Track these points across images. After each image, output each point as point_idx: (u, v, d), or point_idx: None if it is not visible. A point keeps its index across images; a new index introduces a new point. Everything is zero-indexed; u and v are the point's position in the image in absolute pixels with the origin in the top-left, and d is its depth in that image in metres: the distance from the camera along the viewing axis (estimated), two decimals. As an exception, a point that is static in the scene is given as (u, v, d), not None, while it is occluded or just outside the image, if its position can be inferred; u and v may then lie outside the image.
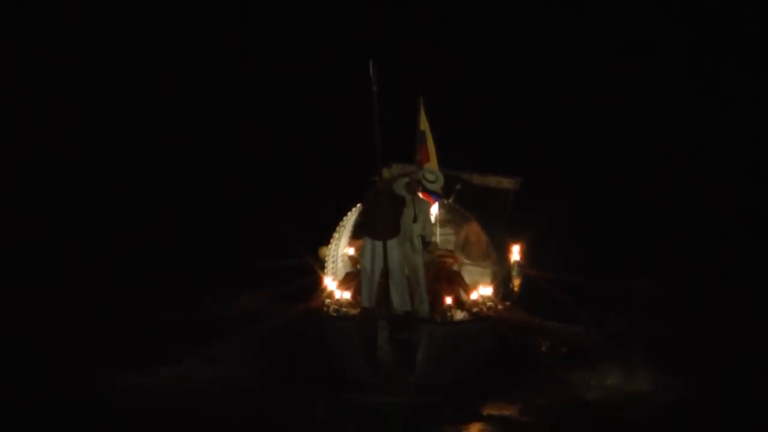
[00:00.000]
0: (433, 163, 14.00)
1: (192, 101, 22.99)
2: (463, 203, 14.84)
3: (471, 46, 23.55)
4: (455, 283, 13.91)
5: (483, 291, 13.84)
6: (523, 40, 23.59)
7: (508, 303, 14.11)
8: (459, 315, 13.36)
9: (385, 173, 13.12)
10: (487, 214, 15.09)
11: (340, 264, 14.99)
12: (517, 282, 14.92)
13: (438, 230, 14.91)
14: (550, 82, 23.35)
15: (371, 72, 12.62)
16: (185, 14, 23.79)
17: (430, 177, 13.70)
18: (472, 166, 16.04)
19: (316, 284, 14.42)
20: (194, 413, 12.23)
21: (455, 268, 14.44)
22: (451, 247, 15.26)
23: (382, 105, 12.62)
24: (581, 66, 23.36)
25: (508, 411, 12.51)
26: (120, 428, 11.82)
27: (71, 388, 12.80)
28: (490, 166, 16.29)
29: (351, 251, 15.10)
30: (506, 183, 16.29)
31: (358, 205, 14.44)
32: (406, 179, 13.53)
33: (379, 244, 12.74)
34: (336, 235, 14.78)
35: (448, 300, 13.31)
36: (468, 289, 13.87)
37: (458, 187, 14.94)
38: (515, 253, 15.29)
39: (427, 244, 13.60)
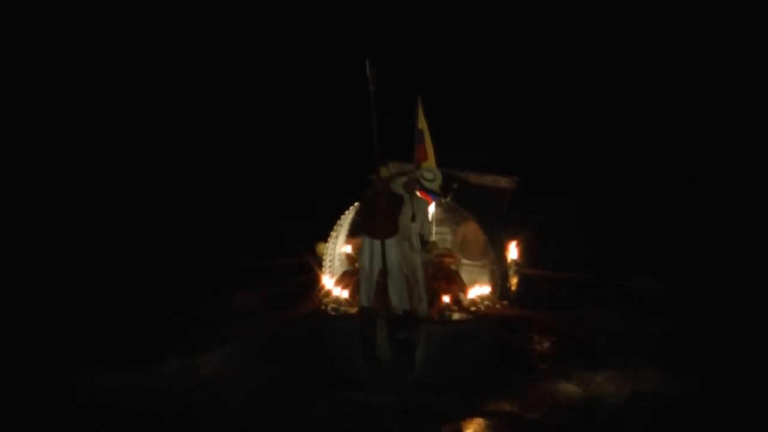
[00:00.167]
0: (431, 162, 14.00)
1: (191, 100, 22.95)
2: (461, 202, 14.83)
3: (469, 45, 23.56)
4: (453, 282, 13.90)
5: (481, 290, 13.84)
6: (522, 39, 23.59)
7: (505, 302, 14.11)
8: (457, 314, 13.33)
9: (383, 172, 13.12)
10: (485, 213, 15.08)
11: (337, 263, 14.99)
12: (514, 281, 14.92)
13: (434, 229, 14.90)
14: (549, 81, 23.35)
15: (368, 71, 12.62)
16: (185, 14, 23.76)
17: (428, 176, 13.69)
18: (468, 165, 16.03)
19: (313, 282, 14.43)
20: (194, 413, 12.22)
21: (453, 267, 14.43)
22: (448, 245, 15.27)
23: (379, 104, 12.61)
24: (580, 65, 23.38)
25: (506, 410, 12.49)
26: (119, 428, 11.78)
27: (70, 388, 12.76)
28: (486, 164, 16.28)
29: (348, 249, 15.08)
30: (503, 182, 16.30)
31: (356, 203, 14.46)
32: (405, 178, 13.51)
33: (377, 243, 12.73)
34: (333, 233, 14.79)
35: (447, 299, 13.30)
36: (466, 288, 13.87)
37: (455, 185, 14.91)
38: (512, 251, 15.32)
39: (425, 243, 13.58)
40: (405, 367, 12.40)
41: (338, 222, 14.87)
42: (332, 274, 14.64)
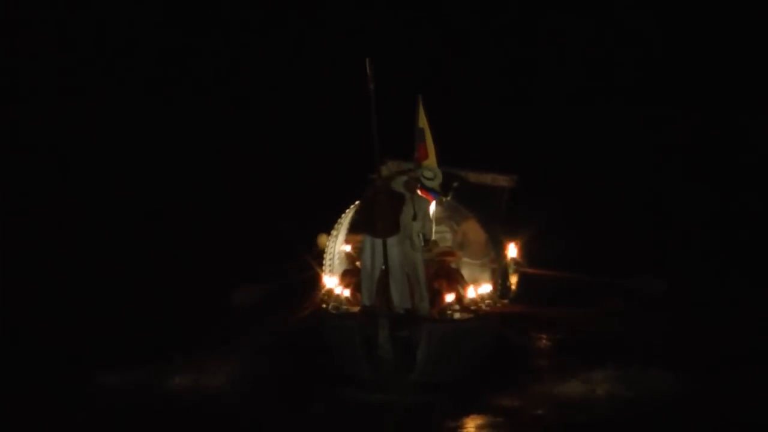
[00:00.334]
0: (431, 161, 13.98)
1: (191, 99, 22.93)
2: (461, 201, 14.84)
3: (469, 44, 23.56)
4: (454, 280, 13.89)
5: (482, 289, 13.84)
6: (521, 38, 23.61)
7: (506, 300, 14.12)
8: (458, 313, 13.33)
9: (384, 171, 13.12)
10: (485, 212, 15.10)
11: (336, 261, 14.98)
12: (514, 279, 14.93)
13: (435, 228, 14.88)
14: (548, 80, 23.37)
15: (368, 70, 12.62)
16: (184, 12, 23.73)
17: (428, 174, 13.67)
18: (467, 164, 16.03)
19: (313, 280, 14.43)
20: (194, 413, 12.19)
21: (454, 265, 14.43)
22: (448, 244, 15.26)
23: (380, 103, 12.62)
24: (580, 64, 23.40)
25: (507, 408, 12.44)
26: (119, 428, 11.75)
27: (70, 388, 12.75)
28: (486, 163, 16.29)
29: (348, 248, 15.08)
30: (502, 180, 16.32)
31: (356, 202, 14.46)
32: (405, 177, 13.51)
33: (378, 242, 12.72)
34: (334, 232, 14.77)
35: (448, 298, 13.30)
36: (467, 287, 13.86)
37: (456, 184, 14.95)
38: (512, 250, 15.32)
39: (427, 241, 13.58)
40: (406, 365, 12.39)
41: (338, 221, 14.86)
42: (332, 272, 14.63)
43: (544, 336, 14.05)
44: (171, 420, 11.93)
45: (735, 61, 22.74)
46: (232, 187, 21.56)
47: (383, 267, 12.71)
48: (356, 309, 13.25)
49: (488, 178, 16.29)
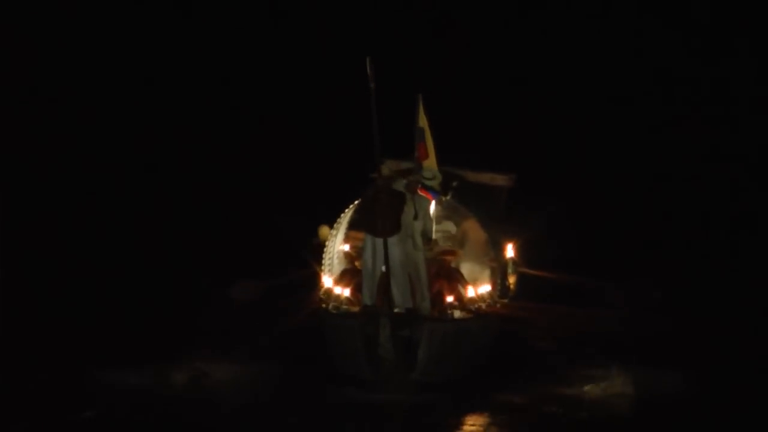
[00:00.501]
0: (431, 160, 13.95)
1: (190, 99, 22.88)
2: (461, 200, 14.86)
3: (468, 43, 23.54)
4: (455, 280, 13.91)
5: (482, 288, 13.85)
6: (519, 38, 23.60)
7: (505, 300, 14.13)
8: (458, 312, 13.33)
9: (384, 170, 13.12)
10: (483, 211, 15.10)
11: (336, 261, 14.98)
12: (512, 279, 14.93)
13: (435, 227, 14.88)
14: (547, 79, 23.37)
15: (368, 69, 12.63)
16: (183, 11, 23.69)
17: (428, 174, 13.68)
18: (466, 163, 16.02)
19: (312, 276, 14.42)
20: (194, 412, 12.15)
21: (453, 264, 14.43)
22: (448, 243, 15.25)
23: (380, 102, 12.62)
24: (578, 64, 23.41)
25: (508, 408, 12.44)
26: (118, 427, 11.71)
27: (70, 388, 12.71)
28: (486, 162, 16.28)
29: (346, 248, 15.08)
30: (500, 180, 16.31)
31: (356, 201, 14.46)
32: (405, 181, 13.50)
33: (379, 241, 12.73)
34: (333, 231, 14.77)
35: (449, 298, 13.31)
36: (467, 286, 13.87)
37: (455, 183, 14.96)
38: (510, 250, 15.32)
39: (428, 240, 13.59)
40: (407, 365, 12.39)
41: (338, 220, 14.86)
42: (331, 272, 14.61)
43: (545, 335, 14.02)
44: (171, 420, 11.88)
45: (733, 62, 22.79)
46: (232, 185, 21.54)
47: (384, 267, 12.74)
48: (356, 309, 13.25)
49: (486, 178, 16.26)
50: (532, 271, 15.11)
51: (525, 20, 23.63)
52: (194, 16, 23.60)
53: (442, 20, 23.53)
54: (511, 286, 14.73)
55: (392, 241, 12.73)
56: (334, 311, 13.26)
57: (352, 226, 14.75)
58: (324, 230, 14.85)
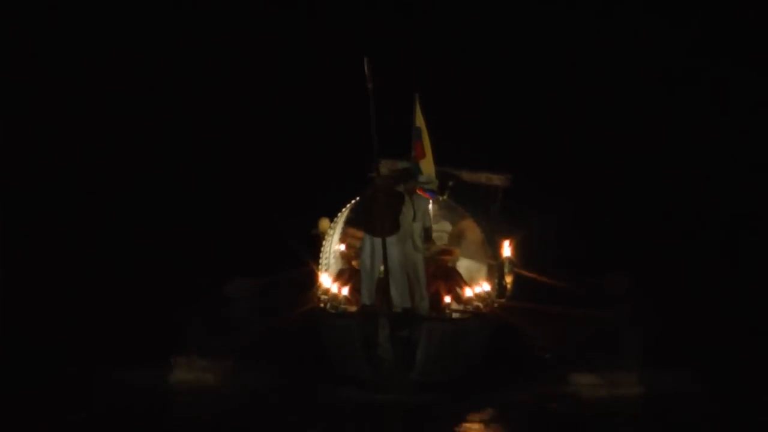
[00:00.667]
0: (428, 159, 13.98)
1: (189, 97, 22.83)
2: (457, 199, 14.89)
3: (466, 42, 23.57)
4: (453, 280, 13.91)
5: (480, 288, 13.86)
6: (518, 36, 23.62)
7: (503, 300, 14.14)
8: (457, 312, 13.33)
9: (382, 168, 13.13)
10: (480, 211, 15.13)
11: (332, 260, 14.96)
12: (509, 279, 14.96)
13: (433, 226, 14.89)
14: (546, 78, 23.40)
15: (366, 69, 12.63)
16: (182, 10, 23.64)
17: (424, 179, 13.70)
18: (462, 163, 16.05)
19: (309, 274, 14.40)
20: (194, 412, 12.15)
21: (450, 264, 14.43)
22: (444, 243, 15.26)
23: (377, 102, 12.62)
24: (576, 62, 23.44)
25: (508, 407, 12.46)
26: (117, 427, 11.66)
27: (69, 387, 12.65)
28: (481, 162, 16.32)
29: (342, 247, 15.08)
30: (496, 179, 16.36)
31: (352, 201, 14.46)
32: (402, 186, 13.51)
33: (378, 241, 12.71)
34: (330, 231, 14.76)
35: (447, 298, 13.30)
36: (464, 286, 13.87)
37: (451, 183, 15.02)
38: (506, 249, 15.33)
39: (429, 237, 13.60)
40: (406, 365, 12.37)
41: (335, 220, 14.85)
42: (328, 271, 14.60)
43: (543, 334, 13.98)
44: (170, 419, 11.83)
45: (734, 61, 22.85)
46: (230, 184, 21.52)
47: (382, 267, 12.74)
48: (354, 308, 13.22)
49: (482, 177, 16.34)
50: (529, 273, 15.15)
51: (524, 19, 23.67)
52: (194, 15, 23.58)
53: (440, 19, 23.58)
54: (508, 286, 14.77)
55: (391, 241, 12.71)
56: (333, 311, 13.22)
57: (351, 223, 14.72)
58: (324, 222, 14.87)
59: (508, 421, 12.04)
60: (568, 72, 23.18)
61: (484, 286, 13.97)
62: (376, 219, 12.79)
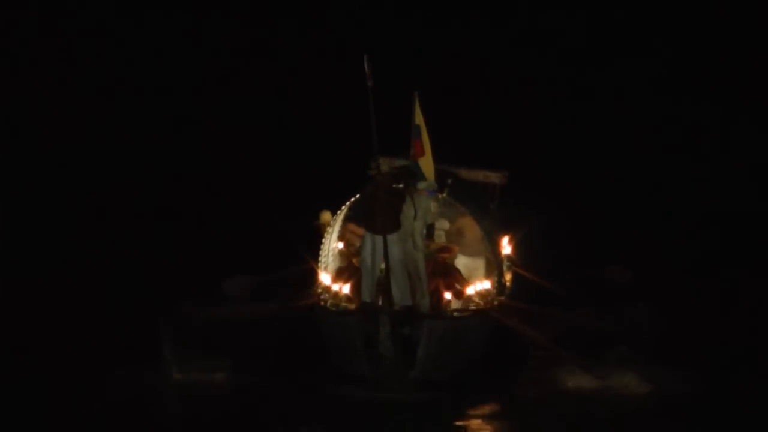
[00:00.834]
0: (427, 157, 13.96)
1: (189, 96, 22.81)
2: (456, 197, 14.89)
3: (465, 41, 23.59)
4: (452, 277, 13.92)
5: (480, 285, 13.87)
6: (517, 35, 23.67)
7: (502, 297, 14.15)
8: (457, 310, 13.34)
9: (383, 166, 13.13)
10: (478, 208, 15.14)
11: (330, 258, 14.96)
12: (508, 276, 14.98)
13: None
14: (545, 77, 23.45)
15: (366, 67, 12.63)
16: (182, 10, 23.60)
17: (423, 186, 13.71)
18: (460, 161, 16.05)
19: (308, 274, 14.40)
20: (194, 412, 12.14)
21: (449, 261, 14.44)
22: (443, 240, 15.27)
23: (377, 100, 12.62)
24: (576, 62, 23.50)
25: (509, 404, 12.53)
26: (116, 426, 11.64)
27: (65, 387, 12.63)
28: (478, 160, 16.32)
29: (340, 245, 15.08)
30: (493, 177, 16.35)
31: (352, 199, 14.47)
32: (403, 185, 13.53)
33: (379, 238, 12.75)
34: (330, 228, 14.76)
35: (448, 295, 13.31)
36: (464, 283, 13.89)
37: (450, 181, 15.01)
38: (506, 247, 15.36)
39: (431, 235, 13.55)
40: (407, 363, 12.37)
41: (334, 217, 14.85)
42: (327, 269, 14.59)
43: (543, 332, 13.99)
44: (167, 418, 11.83)
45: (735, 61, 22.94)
46: (229, 181, 21.52)
47: (383, 265, 12.74)
48: (354, 306, 13.22)
49: (479, 175, 16.30)
50: (527, 274, 15.17)
51: (522, 18, 23.71)
52: (193, 15, 23.55)
53: (439, 18, 23.59)
54: (507, 284, 14.79)
55: (392, 238, 12.74)
56: (333, 308, 13.21)
57: (351, 219, 14.73)
58: (326, 214, 14.88)
59: (509, 418, 12.13)
60: (567, 70, 23.25)
61: (485, 284, 13.96)
62: (377, 217, 12.83)
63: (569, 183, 21.28)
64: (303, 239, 14.93)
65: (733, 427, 11.62)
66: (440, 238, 15.36)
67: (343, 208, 14.76)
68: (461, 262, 14.80)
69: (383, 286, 12.78)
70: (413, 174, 13.64)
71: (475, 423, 11.97)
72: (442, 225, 15.29)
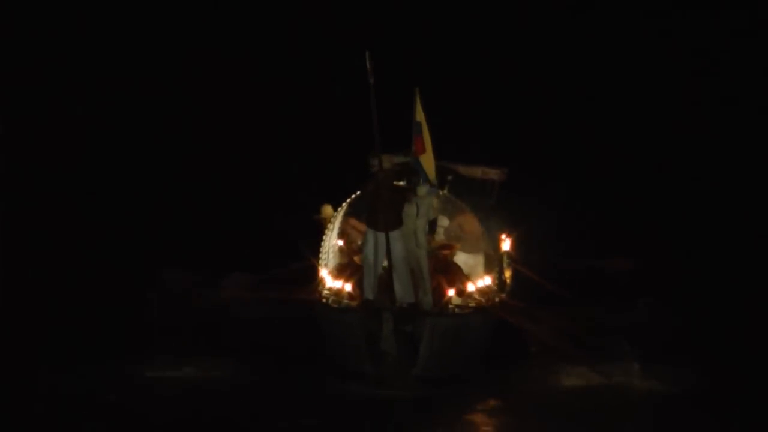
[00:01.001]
0: (428, 155, 13.95)
1: (188, 95, 22.76)
2: (456, 193, 14.93)
3: (463, 37, 23.61)
4: (454, 274, 13.93)
5: (482, 282, 13.88)
6: (516, 33, 23.70)
7: (503, 294, 14.17)
8: (459, 307, 13.35)
9: (385, 163, 13.13)
10: (477, 204, 15.17)
11: (331, 255, 14.95)
12: (508, 273, 15.01)
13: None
14: (544, 76, 23.48)
15: (368, 64, 12.62)
16: (181, 5, 23.55)
17: (423, 193, 13.71)
18: (459, 157, 16.07)
19: (306, 271, 14.39)
20: (194, 411, 12.06)
21: (450, 258, 14.45)
22: (441, 238, 15.29)
23: (379, 97, 12.62)
24: (575, 60, 23.55)
25: (509, 402, 12.50)
26: (117, 426, 11.60)
27: (61, 386, 12.56)
28: (478, 156, 16.35)
29: (340, 242, 15.08)
30: (492, 173, 16.39)
31: (353, 196, 14.47)
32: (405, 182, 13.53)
33: (381, 235, 12.75)
34: (330, 226, 14.76)
35: (451, 292, 13.32)
36: (466, 281, 13.90)
37: (450, 177, 15.08)
38: (506, 244, 15.39)
39: (433, 231, 13.56)
40: (409, 360, 12.38)
41: (334, 214, 14.85)
42: (327, 266, 14.59)
43: (545, 329, 14.01)
44: (166, 418, 11.77)
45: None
46: (229, 178, 21.49)
47: (385, 262, 12.74)
48: (355, 303, 13.21)
49: (478, 172, 16.35)
50: (527, 270, 15.20)
51: (522, 15, 23.73)
52: (193, 10, 23.50)
53: (439, 14, 23.59)
54: (508, 281, 14.81)
55: (394, 236, 12.76)
56: (335, 306, 13.20)
57: (352, 214, 14.73)
58: (327, 209, 14.86)
59: (511, 415, 12.10)
60: (566, 69, 23.29)
61: (486, 280, 13.98)
62: (379, 214, 12.83)
63: (573, 174, 21.31)
64: (303, 235, 14.92)
65: (736, 424, 11.60)
66: (439, 235, 15.39)
67: (343, 205, 14.76)
68: (460, 258, 14.82)
69: (385, 283, 12.78)
70: (415, 171, 13.63)
71: (477, 419, 11.96)
72: (442, 222, 15.33)
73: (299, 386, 12.86)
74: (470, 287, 13.69)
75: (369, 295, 12.91)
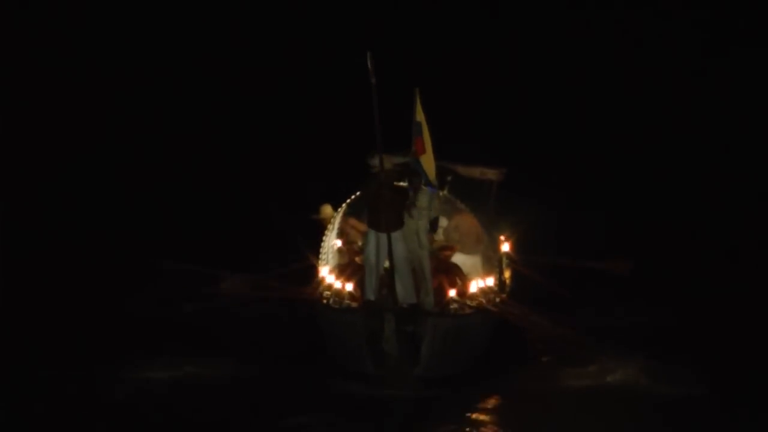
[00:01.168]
0: (428, 155, 13.94)
1: (189, 95, 22.76)
2: (455, 194, 14.93)
3: (464, 37, 23.62)
4: (454, 275, 13.93)
5: (483, 283, 13.88)
6: (516, 34, 23.71)
7: (503, 295, 14.18)
8: (460, 307, 13.35)
9: (386, 163, 13.13)
10: (477, 205, 15.17)
11: (330, 255, 14.95)
12: (508, 274, 15.00)
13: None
14: (543, 75, 23.49)
15: (369, 64, 12.61)
16: (182, 5, 23.54)
17: (424, 203, 13.71)
18: (457, 157, 16.05)
19: (306, 271, 14.39)
20: (194, 410, 12.07)
21: (451, 259, 14.46)
22: (440, 237, 15.29)
23: (379, 97, 12.61)
24: (574, 59, 23.55)
25: (510, 402, 12.52)
26: (117, 425, 11.60)
27: (60, 385, 12.56)
28: (477, 157, 16.34)
29: (339, 243, 15.08)
30: (490, 174, 16.36)
31: (352, 196, 14.46)
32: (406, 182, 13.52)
33: (383, 236, 12.75)
34: (330, 226, 14.75)
35: (452, 293, 13.32)
36: (466, 281, 13.90)
37: (449, 178, 15.06)
38: (505, 244, 15.38)
39: (435, 229, 13.59)
40: (411, 360, 12.38)
41: (334, 214, 14.85)
42: (327, 266, 14.59)
43: (546, 329, 14.03)
44: (166, 417, 11.77)
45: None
46: (229, 178, 21.49)
47: (387, 262, 12.74)
48: (356, 303, 13.21)
49: (476, 172, 16.31)
50: (526, 271, 15.20)
51: (521, 15, 23.75)
52: (193, 11, 23.49)
53: (439, 14, 23.60)
54: (507, 281, 14.81)
55: (396, 236, 12.75)
56: (336, 306, 13.20)
57: (352, 214, 14.72)
58: (327, 209, 14.85)
59: (512, 415, 12.12)
60: (566, 68, 23.29)
61: (488, 281, 13.99)
62: (380, 215, 12.82)
63: (573, 174, 21.31)
64: (303, 235, 14.91)
65: (736, 424, 11.64)
66: (438, 235, 15.39)
67: (343, 205, 14.75)
68: (459, 259, 14.81)
69: (387, 283, 12.78)
70: (416, 172, 13.63)
71: (479, 419, 11.96)
72: (441, 222, 15.31)
73: (299, 386, 12.86)
74: (471, 287, 13.69)
75: (370, 295, 12.90)
